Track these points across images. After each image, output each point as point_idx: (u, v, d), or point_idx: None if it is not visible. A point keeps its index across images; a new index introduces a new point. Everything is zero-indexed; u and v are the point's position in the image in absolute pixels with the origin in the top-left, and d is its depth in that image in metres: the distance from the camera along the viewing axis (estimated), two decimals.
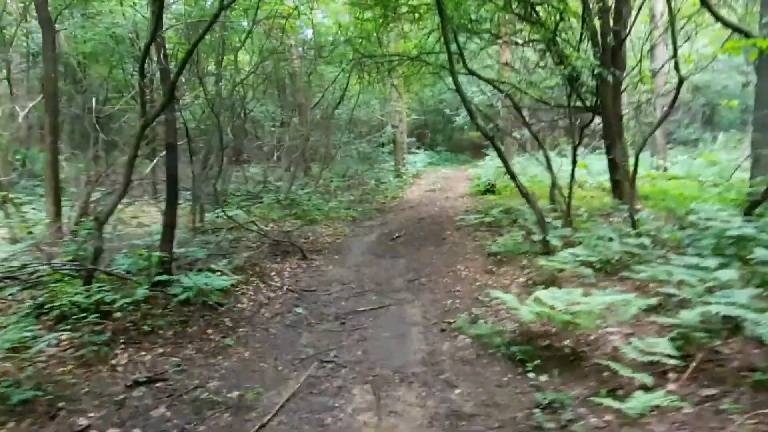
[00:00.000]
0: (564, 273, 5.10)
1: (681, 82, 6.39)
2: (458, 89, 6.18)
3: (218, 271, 5.81)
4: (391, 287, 5.96)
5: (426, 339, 4.30)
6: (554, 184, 7.51)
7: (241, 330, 4.69)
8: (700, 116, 18.97)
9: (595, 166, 15.39)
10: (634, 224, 6.86)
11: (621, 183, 9.33)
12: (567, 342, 3.76)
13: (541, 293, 3.88)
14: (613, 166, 9.23)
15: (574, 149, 7.63)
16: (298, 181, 14.72)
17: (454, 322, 4.50)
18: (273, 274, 6.63)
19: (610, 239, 6.11)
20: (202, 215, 8.66)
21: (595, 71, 8.98)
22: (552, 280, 5.12)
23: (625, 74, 9.35)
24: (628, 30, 8.77)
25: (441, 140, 28.90)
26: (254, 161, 15.79)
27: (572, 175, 7.61)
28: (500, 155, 6.12)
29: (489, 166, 18.17)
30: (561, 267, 5.00)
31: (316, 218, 10.41)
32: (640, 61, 9.08)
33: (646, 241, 5.63)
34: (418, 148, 23.62)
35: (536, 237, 6.79)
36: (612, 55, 8.88)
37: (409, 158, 20.16)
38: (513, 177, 6.12)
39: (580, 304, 3.60)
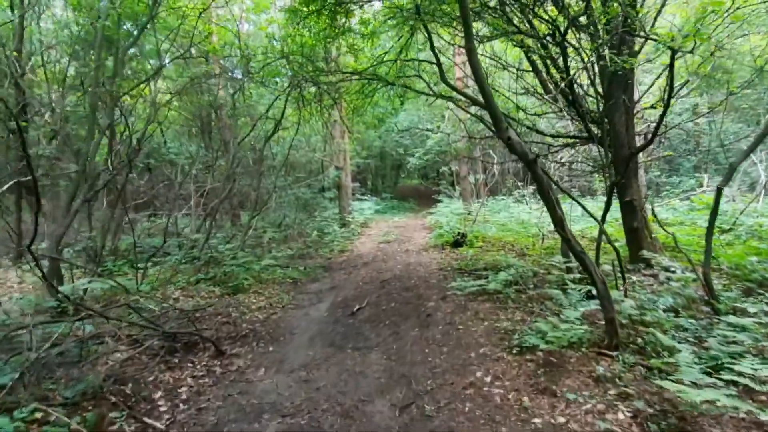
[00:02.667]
0: (703, 404, 2.73)
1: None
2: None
3: (40, 409, 2.98)
4: (372, 425, 3.33)
5: None
6: (603, 233, 5.28)
7: None
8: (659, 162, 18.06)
9: (573, 210, 13.68)
10: (711, 294, 4.71)
11: (640, 231, 7.37)
12: None
13: None
14: (630, 210, 7.25)
15: (612, 187, 5.48)
16: (222, 233, 11.87)
17: None
18: (158, 396, 3.81)
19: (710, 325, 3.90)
20: (61, 283, 5.69)
21: (604, 93, 7.23)
22: (681, 418, 2.73)
23: (638, 99, 7.58)
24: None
25: (385, 186, 26.89)
26: (169, 210, 12.81)
27: (603, 220, 5.43)
28: (546, 197, 3.76)
29: (445, 213, 16.11)
30: (694, 397, 2.62)
31: (242, 283, 7.61)
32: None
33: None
34: (363, 194, 21.34)
35: (570, 312, 4.49)
36: (624, 77, 7.09)
37: (355, 205, 17.76)
38: (562, 228, 3.78)
39: None
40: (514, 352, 4.09)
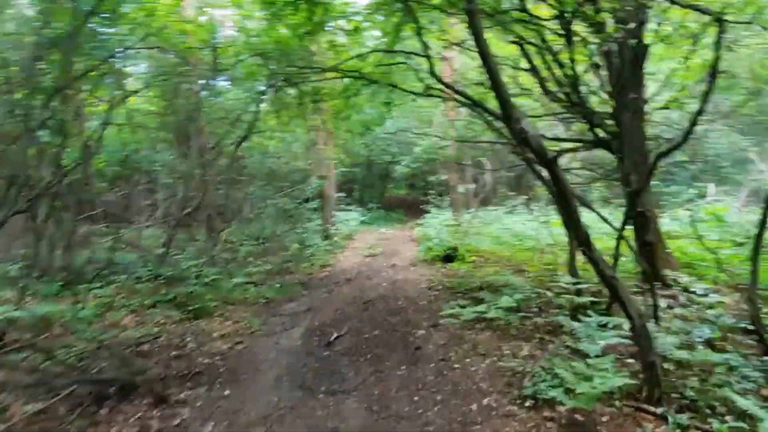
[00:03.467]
0: None
1: None
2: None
3: None
4: None
5: None
6: (637, 252, 4.47)
7: None
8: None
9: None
10: (759, 324, 3.92)
11: (654, 246, 6.60)
12: None
13: None
14: (643, 223, 6.46)
15: (634, 196, 4.68)
16: (195, 247, 10.92)
17: None
18: None
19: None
20: None
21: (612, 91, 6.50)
22: None
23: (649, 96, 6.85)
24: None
25: (371, 196, 26.03)
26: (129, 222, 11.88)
27: (620, 235, 4.62)
28: (567, 208, 2.95)
29: (434, 224, 15.29)
30: None
31: (206, 306, 6.68)
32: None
33: None
34: (349, 204, 20.45)
35: (587, 346, 3.67)
36: (632, 71, 6.38)
37: (339, 216, 16.87)
38: (588, 248, 2.96)
39: None
40: (527, 405, 3.24)
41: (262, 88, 8.86)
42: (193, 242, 11.75)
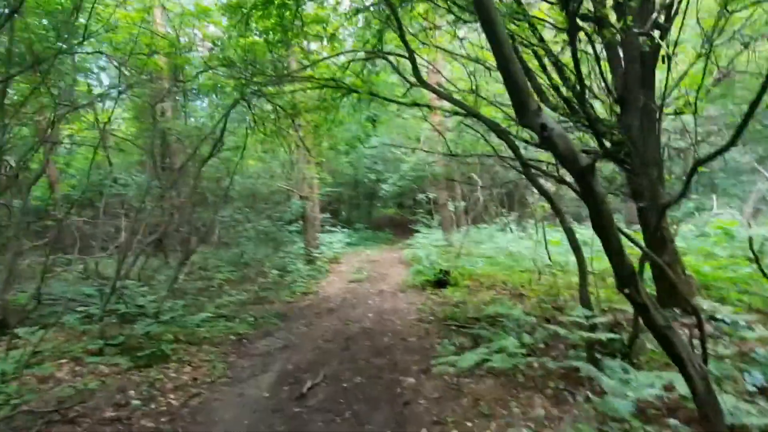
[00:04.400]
0: None
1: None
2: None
3: None
4: None
5: None
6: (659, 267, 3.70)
7: None
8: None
9: (565, 243, 12.17)
10: None
11: (672, 266, 5.84)
12: None
13: None
14: (660, 243, 5.70)
15: (661, 210, 3.93)
16: (164, 275, 10.01)
17: None
18: None
19: None
20: None
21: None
22: None
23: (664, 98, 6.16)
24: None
25: (358, 217, 25.21)
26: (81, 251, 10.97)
27: (647, 256, 3.84)
28: (607, 232, 2.21)
29: (424, 245, 14.50)
30: None
31: (161, 350, 5.75)
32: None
33: None
34: (333, 225, 19.60)
35: (616, 404, 2.87)
36: (642, 72, 5.73)
37: (323, 238, 16.01)
38: (636, 288, 2.17)
39: None
40: None
41: (232, 101, 8.06)
42: (164, 271, 10.85)
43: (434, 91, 5.39)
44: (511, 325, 5.69)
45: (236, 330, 7.26)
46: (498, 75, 6.03)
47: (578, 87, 5.78)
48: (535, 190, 15.06)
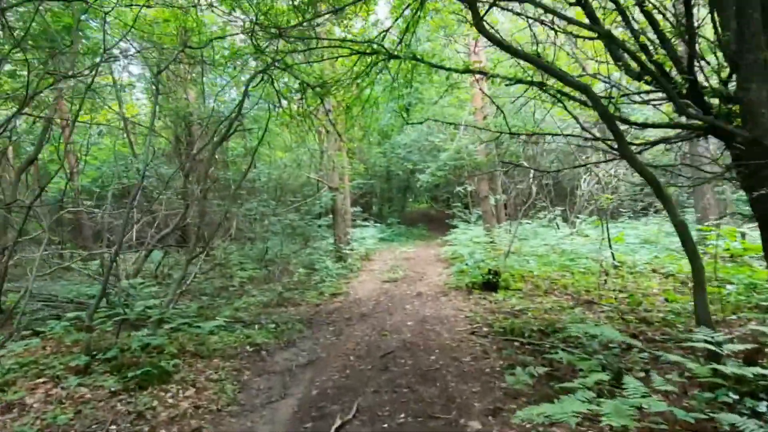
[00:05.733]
0: None
1: None
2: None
3: None
4: None
5: None
6: None
7: None
8: None
9: (628, 238, 10.75)
10: None
11: None
12: None
13: None
14: None
15: None
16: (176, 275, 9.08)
17: None
18: None
19: None
20: None
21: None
22: None
23: None
24: None
25: (391, 211, 24.05)
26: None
27: None
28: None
29: (464, 242, 13.26)
30: None
31: (159, 367, 4.72)
32: None
33: None
34: (365, 220, 18.51)
35: None
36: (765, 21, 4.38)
37: (355, 233, 14.93)
38: None
39: None
40: None
41: (251, 76, 7.01)
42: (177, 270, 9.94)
43: (499, 44, 4.18)
44: (594, 344, 4.46)
45: (254, 339, 6.22)
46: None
47: (686, 41, 4.50)
48: (584, 182, 13.56)
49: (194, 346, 5.69)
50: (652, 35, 4.81)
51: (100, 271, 8.05)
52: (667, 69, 4.64)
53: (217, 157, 11.31)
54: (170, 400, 4.25)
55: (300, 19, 6.51)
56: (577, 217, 14.46)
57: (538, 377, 3.71)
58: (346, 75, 7.33)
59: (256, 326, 6.89)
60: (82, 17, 7.49)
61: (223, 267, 10.71)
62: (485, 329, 5.72)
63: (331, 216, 14.17)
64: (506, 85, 5.18)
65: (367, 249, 14.20)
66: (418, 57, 5.46)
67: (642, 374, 3.81)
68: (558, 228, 14.47)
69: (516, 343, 5.01)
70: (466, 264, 9.90)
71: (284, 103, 8.00)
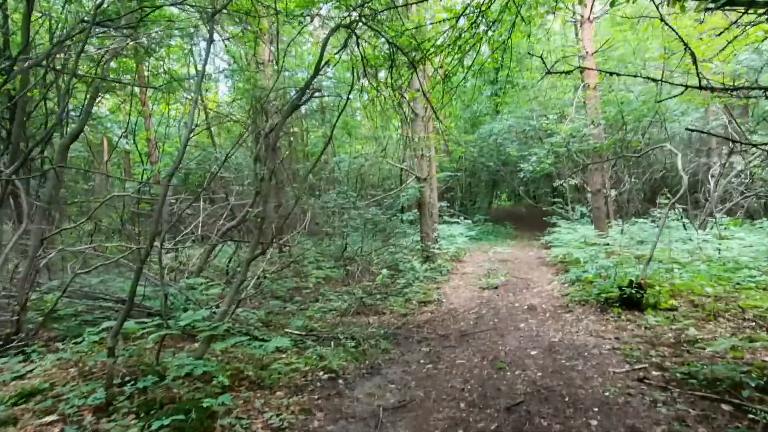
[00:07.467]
0: None
1: None
2: None
3: None
4: None
5: None
6: None
7: None
8: None
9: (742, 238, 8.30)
10: None
11: None
12: None
13: None
14: None
15: None
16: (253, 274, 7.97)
17: None
18: None
19: None
20: None
21: None
22: None
23: None
24: None
25: (478, 206, 22.11)
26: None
27: None
28: None
29: (571, 243, 11.25)
30: None
31: (206, 406, 3.45)
32: None
33: None
34: (452, 216, 16.83)
35: None
36: None
37: (442, 230, 13.34)
38: None
39: None
40: None
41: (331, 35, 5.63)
42: (260, 265, 8.87)
43: None
44: None
45: (329, 362, 4.84)
46: None
47: None
48: (716, 176, 11.02)
49: (254, 371, 4.41)
50: None
51: (158, 268, 7.08)
52: None
53: (294, 146, 10.17)
54: None
55: None
56: (712, 217, 11.90)
57: None
58: (446, 35, 5.83)
59: (332, 343, 5.53)
60: None
61: (297, 264, 9.55)
62: (656, 373, 3.94)
63: (415, 210, 12.67)
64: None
65: (457, 248, 12.53)
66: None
67: None
68: (691, 229, 11.97)
69: (725, 406, 3.21)
70: (585, 271, 8.01)
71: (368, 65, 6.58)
